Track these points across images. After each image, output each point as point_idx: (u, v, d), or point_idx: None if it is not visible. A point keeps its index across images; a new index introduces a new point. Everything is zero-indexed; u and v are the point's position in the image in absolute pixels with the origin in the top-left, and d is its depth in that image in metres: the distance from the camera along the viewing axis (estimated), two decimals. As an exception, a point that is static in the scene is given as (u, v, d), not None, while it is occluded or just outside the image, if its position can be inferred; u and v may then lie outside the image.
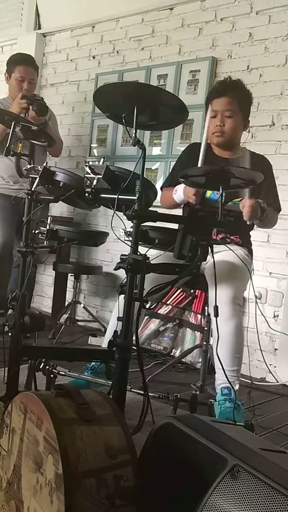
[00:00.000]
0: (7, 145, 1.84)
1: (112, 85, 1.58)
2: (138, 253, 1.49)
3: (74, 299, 3.65)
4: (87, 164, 1.59)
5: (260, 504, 0.92)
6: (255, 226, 2.36)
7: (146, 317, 3.26)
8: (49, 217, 1.90)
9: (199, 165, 2.09)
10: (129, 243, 1.51)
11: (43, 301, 4.25)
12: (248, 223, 2.04)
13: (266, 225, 2.30)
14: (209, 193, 2.25)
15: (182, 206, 2.24)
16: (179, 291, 3.18)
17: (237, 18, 3.18)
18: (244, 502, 0.94)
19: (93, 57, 4.02)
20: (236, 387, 2.00)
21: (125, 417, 1.25)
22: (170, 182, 2.36)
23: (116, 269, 1.53)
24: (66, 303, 3.77)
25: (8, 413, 1.29)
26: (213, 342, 2.04)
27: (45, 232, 1.86)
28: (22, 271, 1.83)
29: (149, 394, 1.56)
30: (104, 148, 3.87)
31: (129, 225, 1.54)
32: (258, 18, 3.09)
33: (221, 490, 0.98)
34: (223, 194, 1.63)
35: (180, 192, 2.16)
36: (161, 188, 2.43)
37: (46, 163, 1.79)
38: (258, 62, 3.08)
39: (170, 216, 1.72)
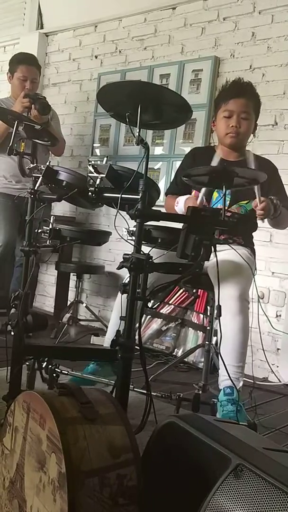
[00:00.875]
0: (10, 144, 1.84)
1: (115, 84, 1.58)
2: (141, 252, 1.49)
3: (76, 299, 3.65)
4: (90, 163, 1.59)
5: (264, 503, 0.92)
6: (258, 226, 2.37)
7: (149, 316, 3.26)
8: (51, 217, 1.90)
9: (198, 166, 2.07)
10: (132, 242, 1.51)
11: (45, 300, 4.26)
12: (262, 222, 2.02)
13: (279, 225, 2.29)
14: (215, 197, 2.25)
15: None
16: (181, 290, 3.18)
17: (239, 18, 3.18)
18: (248, 502, 0.94)
19: (96, 57, 4.02)
20: (240, 383, 2.00)
21: (128, 417, 1.25)
22: (174, 189, 2.36)
23: (119, 268, 1.53)
24: (68, 303, 3.77)
25: (11, 412, 1.29)
26: (218, 340, 2.05)
27: (47, 231, 1.86)
28: (24, 270, 1.83)
29: (152, 393, 1.56)
30: (106, 148, 3.87)
31: (132, 224, 1.54)
32: (261, 18, 3.08)
33: (225, 490, 0.98)
34: (227, 194, 1.63)
35: (181, 205, 2.16)
36: (166, 194, 2.44)
37: (49, 162, 1.79)
38: (261, 61, 3.08)
39: (173, 216, 1.72)
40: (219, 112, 2.28)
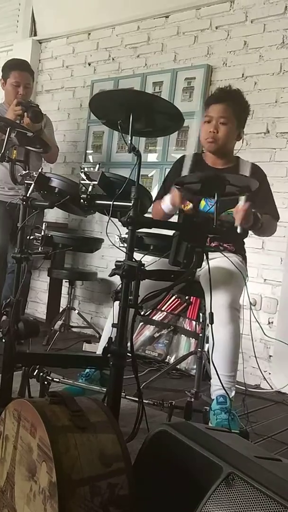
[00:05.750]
0: (2, 151, 1.84)
1: (108, 93, 1.58)
2: (133, 260, 1.49)
3: (68, 305, 3.64)
4: (82, 170, 1.59)
5: (255, 512, 0.92)
6: (249, 232, 2.38)
7: (141, 323, 3.25)
8: (44, 223, 1.90)
9: (184, 173, 2.07)
10: (124, 249, 1.51)
11: (37, 307, 4.24)
12: (238, 230, 1.98)
13: (264, 233, 2.30)
14: (202, 205, 2.26)
15: (177, 213, 2.24)
16: (174, 297, 3.18)
17: (232, 27, 3.20)
18: (239, 511, 0.94)
19: (89, 64, 4.03)
20: (232, 393, 2.00)
21: (120, 424, 1.24)
22: (160, 196, 2.36)
23: (111, 275, 1.53)
24: (61, 309, 3.75)
25: (1, 420, 1.28)
26: (209, 348, 2.04)
27: (40, 238, 1.86)
28: (16, 277, 1.82)
29: (144, 401, 1.56)
30: (99, 155, 3.88)
31: (124, 231, 1.54)
32: (253, 27, 3.11)
33: (216, 498, 0.98)
34: (218, 202, 1.63)
35: (167, 201, 2.15)
36: (153, 201, 2.44)
37: (41, 169, 1.79)
38: (253, 70, 3.10)
39: (165, 223, 1.72)
40: (202, 119, 2.31)
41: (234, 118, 2.25)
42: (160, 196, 2.35)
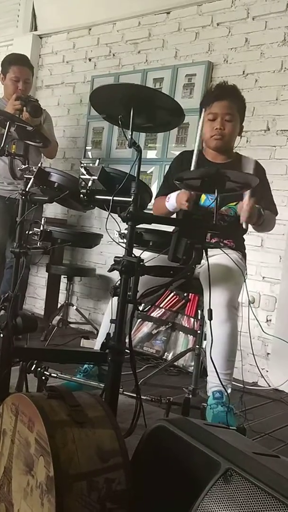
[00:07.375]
0: (2, 145, 1.83)
1: (108, 87, 1.57)
2: (133, 255, 1.49)
3: (66, 301, 3.63)
4: (82, 165, 1.58)
5: (253, 508, 0.91)
6: (248, 230, 2.37)
7: (139, 320, 3.25)
8: (43, 218, 1.89)
9: (192, 168, 2.08)
10: (124, 245, 1.51)
11: (35, 302, 4.23)
12: (244, 226, 2.03)
13: (264, 229, 2.30)
14: (203, 199, 2.25)
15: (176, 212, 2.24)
16: (172, 294, 3.18)
17: (233, 23, 3.19)
18: (237, 506, 0.93)
19: (89, 60, 4.02)
20: (229, 390, 2.00)
21: (117, 420, 1.24)
22: (163, 192, 2.35)
23: (110, 270, 1.52)
24: (59, 305, 3.75)
25: (-1, 415, 1.28)
26: (207, 345, 2.04)
27: (38, 233, 1.85)
28: (15, 272, 1.81)
29: (142, 397, 1.55)
30: (99, 151, 3.87)
31: (123, 227, 1.53)
32: (254, 24, 3.10)
33: (214, 494, 0.97)
34: (218, 198, 1.63)
35: (172, 200, 2.15)
36: (156, 197, 2.43)
37: (41, 163, 1.79)
38: (254, 67, 3.09)
39: (165, 219, 1.71)
40: (203, 116, 2.28)
41: (237, 114, 2.25)
42: (164, 193, 2.34)
